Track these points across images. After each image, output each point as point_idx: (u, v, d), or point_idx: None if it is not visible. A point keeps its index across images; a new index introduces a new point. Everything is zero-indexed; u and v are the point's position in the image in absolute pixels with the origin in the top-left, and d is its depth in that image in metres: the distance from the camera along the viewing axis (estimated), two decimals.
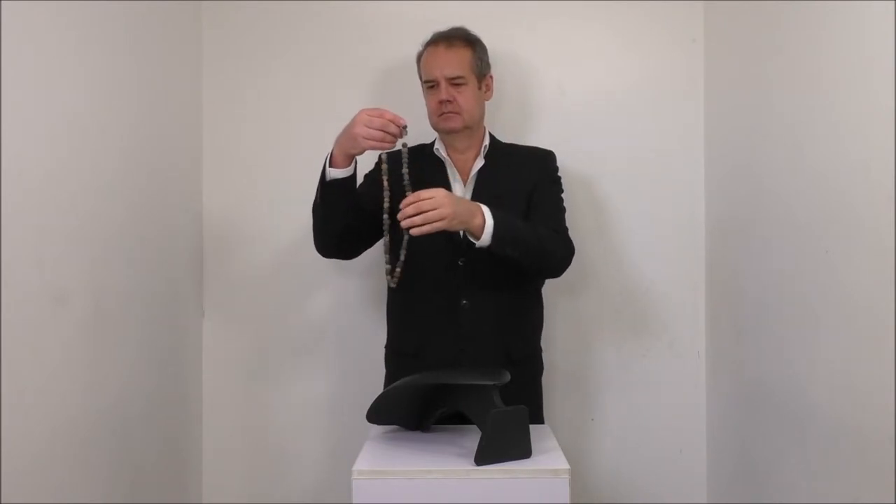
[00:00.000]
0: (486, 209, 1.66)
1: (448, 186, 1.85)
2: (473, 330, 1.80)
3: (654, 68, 2.26)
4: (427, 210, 1.57)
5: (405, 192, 1.65)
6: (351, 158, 1.70)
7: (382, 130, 1.61)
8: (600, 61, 2.27)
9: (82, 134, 1.62)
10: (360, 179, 1.81)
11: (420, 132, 1.94)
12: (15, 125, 1.37)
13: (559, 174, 1.94)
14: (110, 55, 1.74)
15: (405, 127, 1.62)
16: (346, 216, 1.76)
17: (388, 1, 2.26)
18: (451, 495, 1.40)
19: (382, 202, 1.70)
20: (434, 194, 1.59)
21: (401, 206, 1.60)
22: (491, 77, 1.93)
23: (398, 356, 1.90)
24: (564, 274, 2.19)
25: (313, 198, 1.77)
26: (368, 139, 1.61)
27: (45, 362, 1.48)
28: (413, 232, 1.59)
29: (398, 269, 1.71)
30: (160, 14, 2.00)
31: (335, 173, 1.69)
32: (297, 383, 2.27)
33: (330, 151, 1.70)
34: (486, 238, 1.65)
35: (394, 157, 1.91)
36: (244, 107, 2.27)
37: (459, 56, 1.85)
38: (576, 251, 1.87)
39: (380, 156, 1.71)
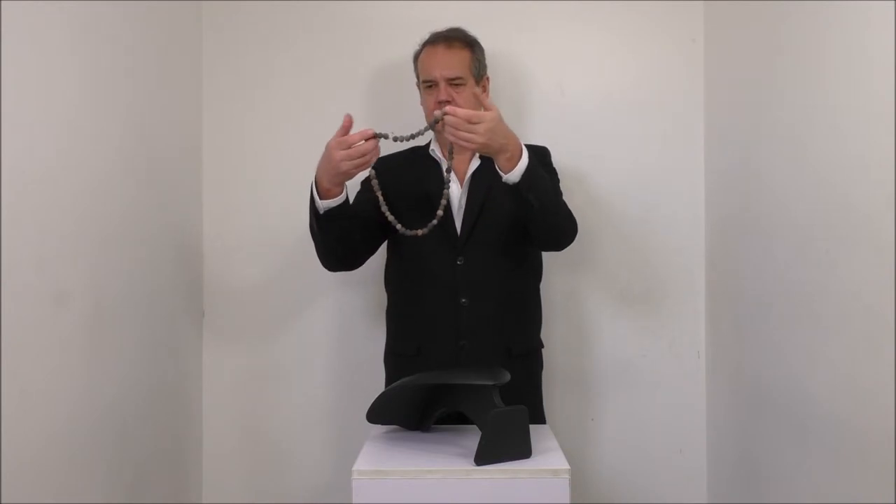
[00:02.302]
0: (525, 150, 1.63)
1: (443, 186, 1.86)
2: (473, 327, 1.81)
3: (654, 68, 2.26)
4: (462, 130, 1.55)
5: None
6: (343, 185, 1.67)
7: (361, 153, 1.58)
8: (600, 61, 2.27)
9: (82, 134, 1.62)
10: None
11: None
12: (15, 125, 1.37)
13: (554, 167, 1.93)
14: (110, 55, 1.74)
15: (376, 134, 1.58)
16: (347, 236, 1.76)
17: (388, 1, 2.26)
18: (451, 495, 1.40)
19: (380, 210, 1.67)
20: (481, 119, 1.56)
21: (447, 109, 1.57)
22: (487, 78, 1.93)
23: (399, 357, 1.91)
24: (564, 274, 2.20)
25: (308, 222, 1.74)
26: (357, 168, 1.60)
27: (45, 362, 1.48)
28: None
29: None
30: (160, 14, 2.00)
31: (329, 203, 1.67)
32: (297, 383, 2.27)
33: (313, 184, 1.66)
34: (514, 175, 1.61)
35: (382, 164, 1.92)
36: (244, 106, 2.27)
37: (459, 57, 1.85)
38: (576, 250, 1.88)
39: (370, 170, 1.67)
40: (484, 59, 1.91)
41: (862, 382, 1.45)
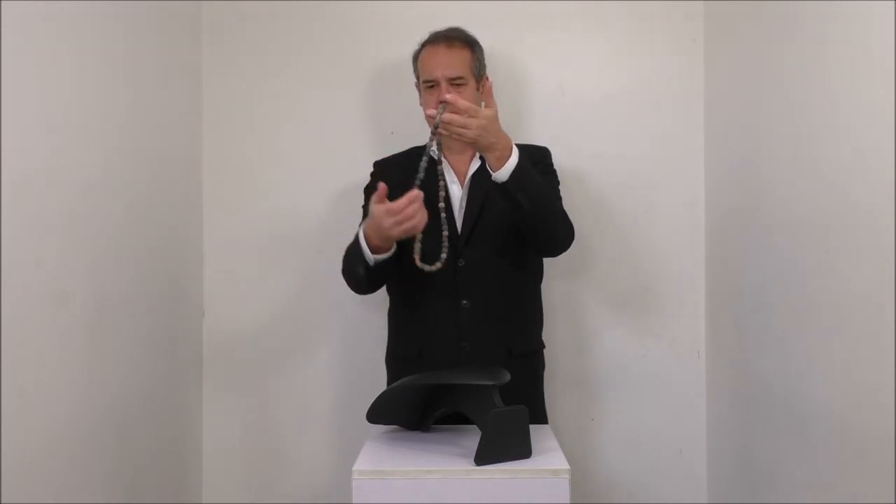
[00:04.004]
0: (515, 150, 1.64)
1: (444, 188, 1.85)
2: (474, 328, 1.81)
3: (654, 68, 2.25)
4: (455, 124, 1.56)
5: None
6: (393, 242, 1.68)
7: (409, 217, 1.58)
8: (600, 61, 2.27)
9: (82, 134, 1.62)
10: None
11: (412, 133, 1.95)
12: (15, 125, 1.37)
13: (554, 168, 1.94)
14: (110, 55, 1.74)
15: (421, 177, 1.58)
16: (385, 275, 1.77)
17: (389, 1, 2.26)
18: (451, 495, 1.40)
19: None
20: (478, 114, 1.57)
21: (448, 98, 1.57)
22: (487, 78, 1.93)
23: (401, 359, 1.90)
24: (564, 274, 2.20)
25: (346, 261, 1.76)
26: (406, 232, 1.60)
27: (45, 362, 1.48)
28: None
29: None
30: (160, 15, 2.00)
31: (380, 257, 1.68)
32: (297, 383, 2.27)
33: (361, 237, 1.67)
34: (503, 174, 1.62)
35: (381, 167, 1.93)
36: (244, 107, 2.27)
37: (460, 57, 1.85)
38: (575, 251, 1.88)
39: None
40: (483, 58, 1.91)
41: (862, 382, 1.45)
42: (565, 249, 1.84)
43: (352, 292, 2.23)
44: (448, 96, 1.57)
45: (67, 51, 1.57)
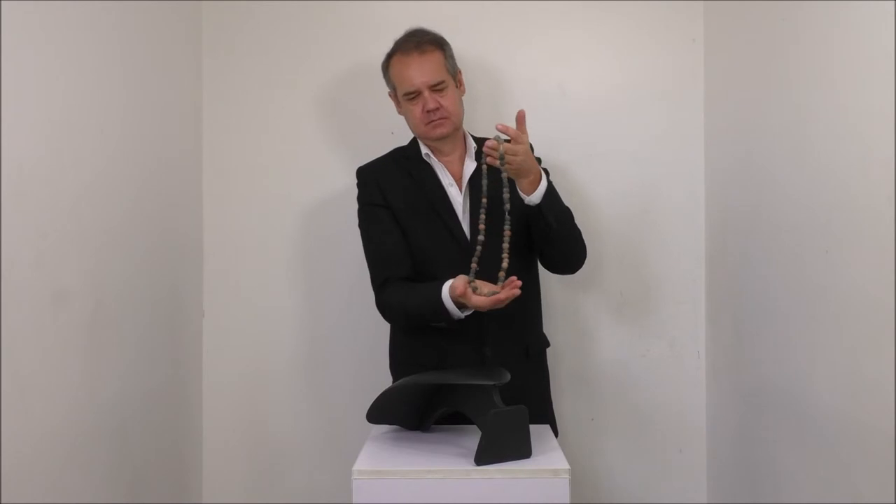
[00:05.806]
0: (544, 176, 1.69)
1: (443, 191, 1.85)
2: (495, 330, 1.79)
3: (654, 68, 2.25)
4: (509, 153, 1.59)
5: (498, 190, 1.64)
6: None
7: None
8: (600, 61, 2.27)
9: (82, 134, 1.62)
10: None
11: (412, 134, 1.94)
12: (15, 125, 1.37)
13: (544, 166, 1.93)
14: (110, 55, 1.74)
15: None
16: None
17: (389, 1, 2.25)
18: (451, 495, 1.40)
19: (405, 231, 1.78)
20: (521, 140, 1.61)
21: (498, 126, 1.59)
22: (460, 72, 1.90)
23: (420, 367, 1.80)
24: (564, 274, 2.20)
25: (419, 315, 1.76)
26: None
27: (45, 362, 1.48)
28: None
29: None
30: (160, 14, 2.00)
31: (469, 311, 1.70)
32: (297, 383, 2.27)
33: (447, 298, 1.68)
34: (536, 197, 1.66)
35: (374, 173, 1.89)
36: (244, 107, 2.27)
37: (434, 61, 1.82)
38: None
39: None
40: (453, 54, 1.88)
41: (862, 382, 1.45)
42: (579, 269, 1.87)
43: (351, 291, 2.24)
44: (499, 125, 1.59)
45: (67, 51, 1.57)
